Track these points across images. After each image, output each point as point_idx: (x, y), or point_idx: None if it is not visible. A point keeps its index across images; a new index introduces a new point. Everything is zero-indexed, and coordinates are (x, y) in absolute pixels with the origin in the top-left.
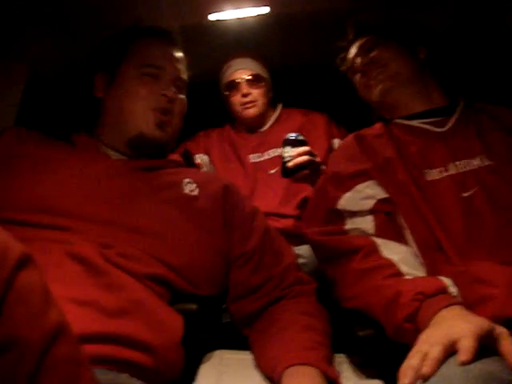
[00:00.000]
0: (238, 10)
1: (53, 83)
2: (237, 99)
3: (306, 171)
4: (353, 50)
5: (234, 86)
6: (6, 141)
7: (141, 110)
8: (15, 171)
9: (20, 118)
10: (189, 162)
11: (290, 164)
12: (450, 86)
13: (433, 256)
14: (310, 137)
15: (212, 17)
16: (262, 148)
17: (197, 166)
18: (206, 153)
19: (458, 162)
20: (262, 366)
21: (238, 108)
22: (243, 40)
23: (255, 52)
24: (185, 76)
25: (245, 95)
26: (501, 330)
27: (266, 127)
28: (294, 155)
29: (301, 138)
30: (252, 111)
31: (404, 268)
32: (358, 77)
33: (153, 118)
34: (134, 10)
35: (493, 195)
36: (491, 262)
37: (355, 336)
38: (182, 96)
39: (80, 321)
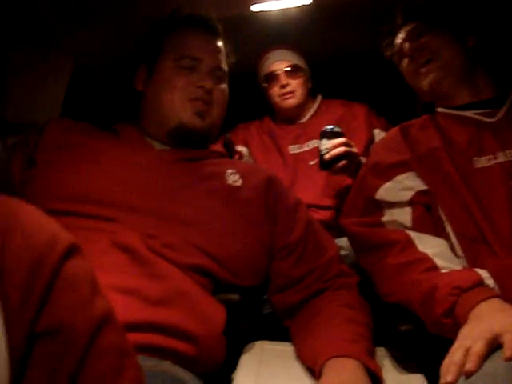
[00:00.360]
0: (280, 0)
1: (97, 75)
2: (276, 90)
3: (344, 162)
4: (401, 35)
5: (272, 77)
6: (51, 131)
7: (178, 100)
8: (60, 161)
9: (65, 109)
10: (230, 150)
11: (327, 156)
12: (501, 75)
13: (475, 248)
14: (350, 128)
15: (254, 8)
16: (301, 139)
17: (238, 155)
18: (246, 145)
19: (507, 151)
20: (303, 358)
21: (277, 99)
22: (285, 31)
23: (295, 43)
24: (224, 65)
25: (283, 86)
26: None
27: (305, 118)
28: (330, 147)
29: (337, 129)
30: (291, 101)
31: (439, 262)
32: (405, 62)
33: (191, 107)
34: (176, 2)
35: None
36: None
37: (397, 330)
38: (223, 85)
39: (124, 309)
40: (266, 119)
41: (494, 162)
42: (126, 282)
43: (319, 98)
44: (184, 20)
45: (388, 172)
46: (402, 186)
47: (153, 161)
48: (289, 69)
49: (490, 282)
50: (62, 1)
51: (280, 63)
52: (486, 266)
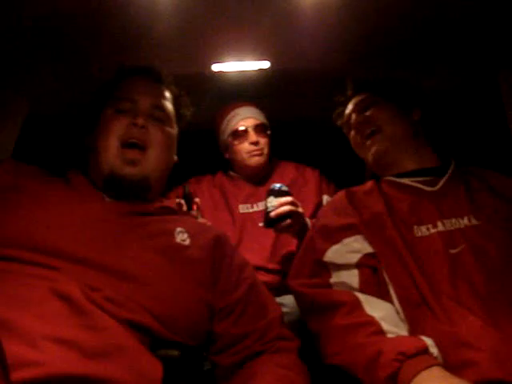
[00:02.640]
0: (240, 62)
1: (52, 121)
2: (245, 147)
3: (289, 221)
4: (350, 106)
5: (241, 134)
6: (0, 172)
7: (112, 146)
8: (5, 204)
9: (17, 152)
10: (189, 201)
11: (273, 214)
12: (442, 147)
13: (416, 312)
14: (300, 191)
15: (215, 67)
16: (252, 199)
17: (196, 205)
18: None
19: (446, 220)
20: None
21: (245, 155)
22: (242, 91)
23: (252, 103)
24: (167, 108)
25: (254, 143)
26: None
27: (259, 178)
28: (276, 205)
29: (284, 188)
30: (258, 159)
31: (386, 326)
32: (352, 133)
33: (122, 155)
34: (137, 53)
35: (480, 254)
36: (477, 322)
37: None
38: (163, 127)
39: (59, 360)
40: (219, 174)
41: (433, 230)
42: (62, 332)
43: (273, 160)
44: (125, 72)
45: (336, 235)
46: (350, 249)
47: (101, 212)
48: (259, 127)
49: (433, 350)
50: (19, 44)
51: (250, 120)
52: (427, 330)
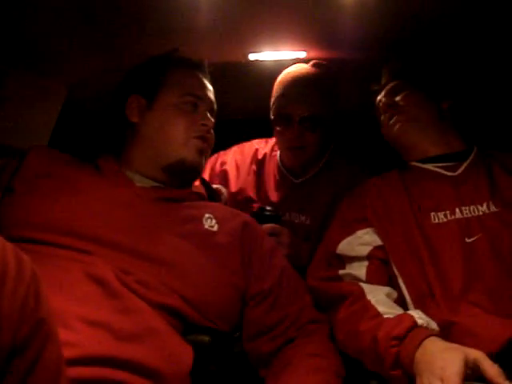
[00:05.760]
0: (276, 52)
1: (89, 107)
2: (285, 137)
3: None
4: (382, 93)
5: (285, 120)
6: (32, 159)
7: (182, 137)
8: (39, 190)
9: (54, 138)
10: (210, 189)
11: None
12: (467, 132)
13: (424, 304)
14: None
15: (252, 57)
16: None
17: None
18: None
19: (464, 208)
20: None
21: (282, 148)
22: None
23: None
24: (215, 108)
25: (295, 138)
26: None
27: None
28: None
29: (269, 213)
30: (299, 159)
31: (381, 308)
32: (381, 117)
33: (195, 145)
34: (176, 43)
35: (495, 243)
36: (484, 315)
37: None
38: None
39: (91, 341)
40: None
41: (450, 217)
42: (96, 314)
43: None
44: (183, 60)
45: (350, 227)
46: (361, 241)
47: (132, 198)
48: (307, 118)
49: (421, 321)
50: (59, 31)
51: (298, 107)
52: (434, 321)
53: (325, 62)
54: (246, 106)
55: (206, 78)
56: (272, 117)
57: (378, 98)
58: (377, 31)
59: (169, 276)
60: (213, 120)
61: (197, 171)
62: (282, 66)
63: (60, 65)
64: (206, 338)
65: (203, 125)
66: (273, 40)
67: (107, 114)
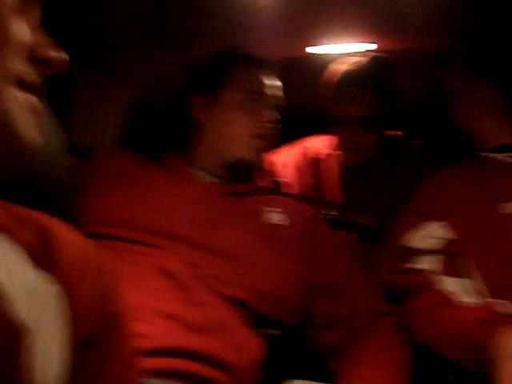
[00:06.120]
0: (343, 44)
1: (158, 107)
2: (343, 138)
3: None
4: (457, 79)
5: (343, 121)
6: (104, 158)
7: (244, 136)
8: (110, 188)
9: (124, 137)
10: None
11: None
12: None
13: (503, 296)
14: None
15: (312, 50)
16: None
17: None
18: None
19: None
20: None
21: (342, 147)
22: None
23: None
24: (283, 103)
25: (353, 140)
26: None
27: None
28: None
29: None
30: (356, 159)
31: (463, 298)
32: (453, 106)
33: (255, 145)
34: (233, 39)
35: None
36: None
37: (443, 380)
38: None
39: (164, 333)
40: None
41: None
42: (168, 307)
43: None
44: (247, 56)
45: (420, 220)
46: (434, 234)
47: (198, 193)
48: (366, 118)
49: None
50: (127, 32)
51: (357, 107)
52: None
53: (382, 55)
54: (304, 101)
55: (270, 74)
56: (329, 116)
57: (451, 84)
58: (450, 19)
59: (238, 270)
60: (278, 116)
61: (254, 169)
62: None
63: (128, 65)
64: (277, 332)
65: (269, 121)
66: (339, 32)
67: (172, 111)
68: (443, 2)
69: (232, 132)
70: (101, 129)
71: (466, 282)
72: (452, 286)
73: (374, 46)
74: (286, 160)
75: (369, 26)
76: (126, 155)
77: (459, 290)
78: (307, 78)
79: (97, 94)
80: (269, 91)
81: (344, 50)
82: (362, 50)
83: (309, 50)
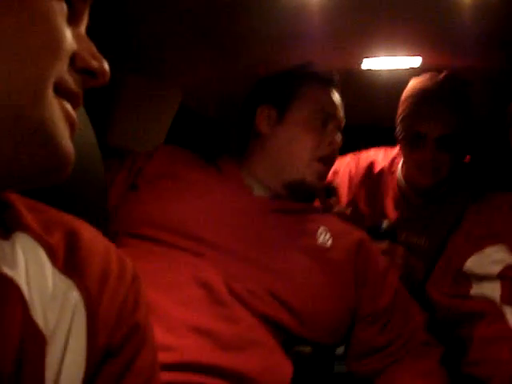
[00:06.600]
0: (390, 57)
1: (203, 113)
2: (416, 158)
3: None
4: None
5: (417, 139)
6: (159, 159)
7: (307, 158)
8: (161, 190)
9: (168, 142)
10: (329, 192)
11: None
12: None
13: None
14: None
15: (365, 63)
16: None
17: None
18: None
19: None
20: None
21: (412, 168)
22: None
23: None
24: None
25: (429, 160)
26: None
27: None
28: None
29: (386, 228)
30: (428, 181)
31: None
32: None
33: (316, 169)
34: (287, 51)
35: None
36: None
37: None
38: None
39: (194, 348)
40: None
41: None
42: (200, 320)
43: None
44: (317, 75)
45: (478, 243)
46: (492, 259)
47: (249, 206)
48: (442, 138)
49: None
50: (176, 38)
51: (433, 126)
52: None
53: (457, 75)
54: (356, 113)
55: (337, 92)
56: (401, 134)
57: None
58: (503, 36)
59: (278, 287)
60: (341, 138)
61: (313, 193)
62: (395, 74)
63: (175, 70)
64: (307, 349)
65: (330, 143)
66: (387, 45)
67: (232, 118)
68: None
69: (296, 151)
70: (145, 131)
71: None
72: None
73: (419, 60)
74: (337, 167)
75: (419, 38)
76: (183, 156)
77: None
78: (361, 91)
79: (142, 97)
80: (336, 112)
81: (399, 63)
82: (410, 64)
83: (364, 63)
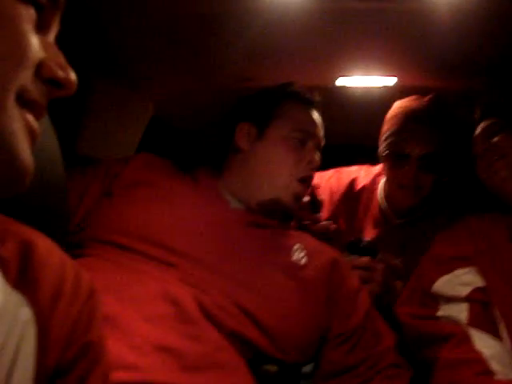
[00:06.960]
0: (366, 76)
1: (175, 124)
2: (397, 175)
3: None
4: (476, 132)
5: (400, 158)
6: (134, 165)
7: (285, 177)
8: (136, 198)
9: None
10: (315, 206)
11: None
12: None
13: None
14: None
15: (340, 81)
16: None
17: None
18: None
19: None
20: None
21: (393, 187)
22: (368, 109)
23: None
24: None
25: (411, 180)
26: None
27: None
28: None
29: (366, 245)
30: (408, 201)
31: (495, 366)
32: (478, 161)
33: (295, 189)
34: (265, 63)
35: None
36: None
37: None
38: None
39: (158, 367)
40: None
41: None
42: (166, 339)
43: None
44: (297, 93)
45: (447, 265)
46: (461, 281)
47: (224, 218)
48: (425, 157)
49: None
50: (148, 49)
51: (416, 145)
52: None
53: (440, 96)
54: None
55: (316, 112)
56: (384, 153)
57: (473, 137)
58: (478, 58)
59: (249, 302)
60: (319, 157)
61: (288, 214)
62: (371, 94)
63: (148, 81)
64: (274, 368)
65: (309, 162)
66: (363, 64)
67: (207, 131)
68: (475, 39)
69: (274, 170)
70: (115, 141)
71: (500, 346)
72: (484, 346)
73: (394, 80)
74: (318, 182)
75: (394, 58)
76: (160, 165)
77: (493, 354)
78: (336, 109)
79: (113, 106)
80: (315, 131)
81: (374, 82)
82: (385, 83)
83: (339, 81)
